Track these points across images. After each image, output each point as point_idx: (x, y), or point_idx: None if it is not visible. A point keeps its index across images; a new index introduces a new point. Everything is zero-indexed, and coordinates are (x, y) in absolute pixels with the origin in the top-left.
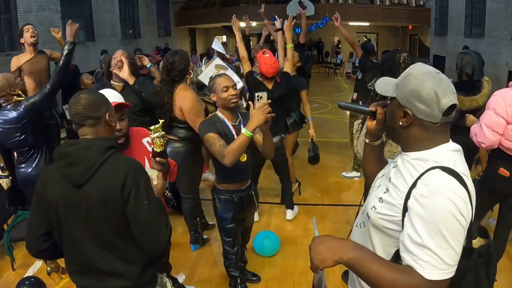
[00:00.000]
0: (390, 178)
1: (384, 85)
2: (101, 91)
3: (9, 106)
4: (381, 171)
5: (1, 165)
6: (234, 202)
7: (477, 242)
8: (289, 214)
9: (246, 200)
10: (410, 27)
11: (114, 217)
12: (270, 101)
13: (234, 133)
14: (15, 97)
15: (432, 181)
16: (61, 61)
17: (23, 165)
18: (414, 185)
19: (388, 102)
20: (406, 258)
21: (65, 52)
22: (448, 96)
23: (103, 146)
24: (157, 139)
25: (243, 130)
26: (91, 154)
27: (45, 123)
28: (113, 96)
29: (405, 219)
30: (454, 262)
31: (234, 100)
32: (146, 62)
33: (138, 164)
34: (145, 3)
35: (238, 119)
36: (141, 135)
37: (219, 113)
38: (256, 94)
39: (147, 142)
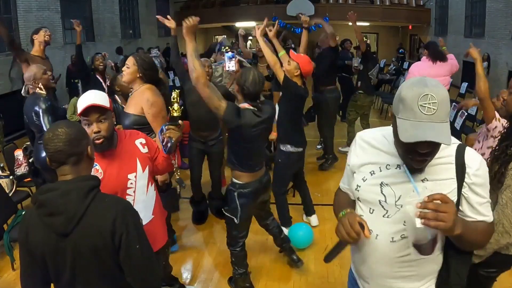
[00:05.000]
0: (422, 180)
1: None
2: (86, 93)
3: (36, 93)
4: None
5: (1, 165)
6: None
7: None
8: (315, 219)
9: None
10: (410, 27)
11: (106, 265)
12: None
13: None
14: (38, 89)
15: (475, 155)
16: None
17: (39, 149)
18: (463, 165)
19: None
20: (477, 218)
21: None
22: None
23: (84, 189)
24: (176, 104)
25: None
26: (72, 201)
27: (61, 114)
28: (95, 97)
29: (465, 192)
30: None
31: None
32: None
33: (124, 203)
34: (145, 3)
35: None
36: (133, 137)
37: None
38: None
39: (140, 143)
